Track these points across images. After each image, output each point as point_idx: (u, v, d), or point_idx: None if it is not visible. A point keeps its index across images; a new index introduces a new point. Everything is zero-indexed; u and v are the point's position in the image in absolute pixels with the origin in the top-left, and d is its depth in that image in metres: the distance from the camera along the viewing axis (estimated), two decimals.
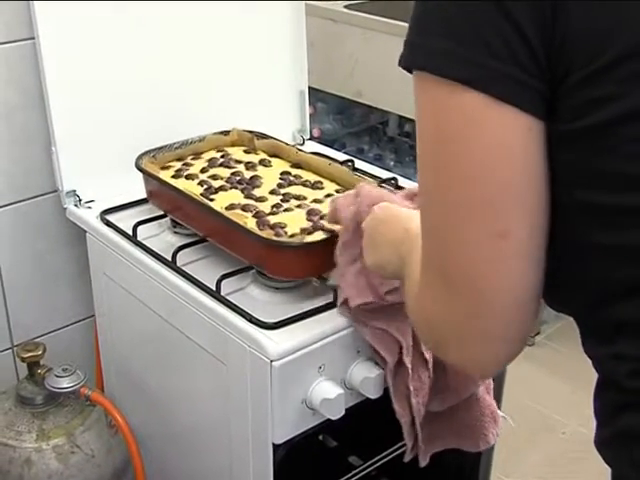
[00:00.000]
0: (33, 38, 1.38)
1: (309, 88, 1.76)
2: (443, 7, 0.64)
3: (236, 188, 1.35)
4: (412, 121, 2.83)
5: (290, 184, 1.37)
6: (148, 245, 1.33)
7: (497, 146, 0.63)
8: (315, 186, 1.37)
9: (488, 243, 0.64)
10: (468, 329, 0.70)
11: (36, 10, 1.34)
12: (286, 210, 1.28)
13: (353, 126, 3.02)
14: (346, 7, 2.58)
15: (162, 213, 1.37)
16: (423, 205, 0.70)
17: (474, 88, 0.62)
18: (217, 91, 1.61)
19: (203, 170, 1.40)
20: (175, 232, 1.37)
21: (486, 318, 0.68)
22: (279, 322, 1.13)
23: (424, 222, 0.71)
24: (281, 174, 1.41)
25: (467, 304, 0.68)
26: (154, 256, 1.30)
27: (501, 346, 0.71)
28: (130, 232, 1.35)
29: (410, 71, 0.68)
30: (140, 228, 1.35)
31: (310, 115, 1.78)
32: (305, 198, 1.32)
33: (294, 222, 1.24)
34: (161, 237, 1.37)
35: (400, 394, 1.17)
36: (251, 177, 1.38)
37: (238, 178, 1.38)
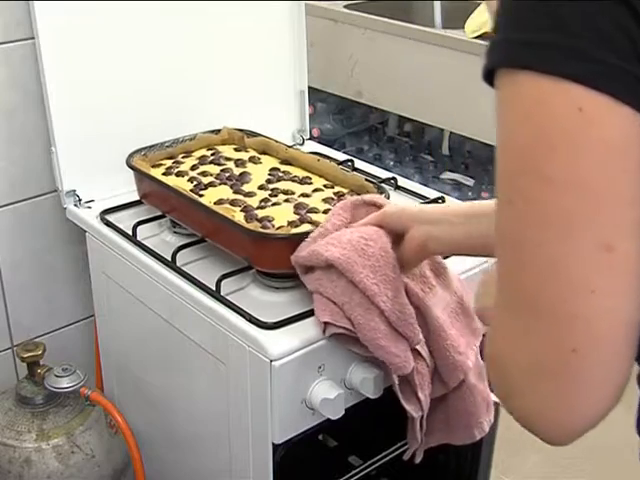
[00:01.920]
0: (33, 38, 1.38)
1: (309, 88, 1.76)
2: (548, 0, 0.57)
3: (225, 184, 1.35)
4: (412, 121, 2.84)
5: (279, 180, 1.38)
6: (148, 245, 1.33)
7: (612, 149, 0.56)
8: (303, 181, 1.38)
9: (592, 256, 0.57)
10: (556, 369, 0.59)
11: (36, 10, 1.35)
12: (274, 204, 1.29)
13: (353, 126, 3.02)
14: (346, 7, 2.58)
15: (161, 213, 1.37)
16: (506, 220, 0.61)
17: (591, 86, 0.55)
18: (217, 91, 1.61)
19: (193, 167, 1.41)
20: (175, 232, 1.37)
21: (578, 352, 0.58)
22: (279, 322, 1.13)
23: (505, 239, 0.61)
24: (270, 170, 1.42)
25: (556, 333, 0.58)
26: (154, 256, 1.30)
27: (593, 393, 0.60)
28: (130, 232, 1.35)
29: (490, 81, 0.61)
30: (140, 228, 1.35)
31: (310, 115, 1.79)
32: (293, 193, 1.33)
33: (282, 215, 1.25)
34: (161, 237, 1.37)
35: (407, 392, 1.16)
36: (240, 173, 1.39)
37: (227, 174, 1.39)
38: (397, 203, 1.21)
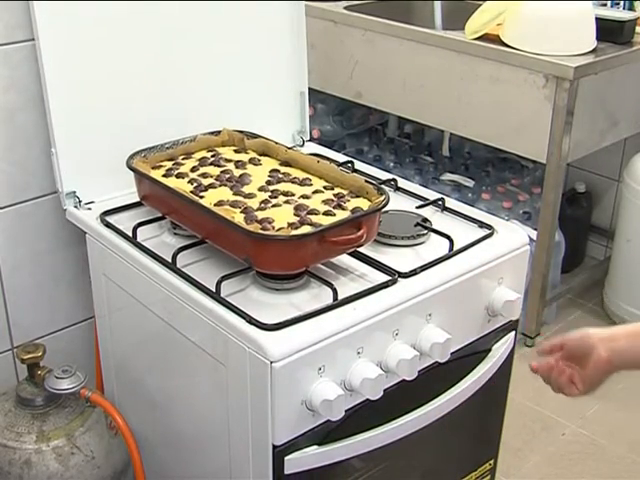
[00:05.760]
0: (33, 39, 1.38)
1: (309, 89, 1.76)
2: None
3: (225, 185, 1.35)
4: (411, 122, 2.84)
5: (279, 181, 1.38)
6: (148, 246, 1.33)
7: None
8: (303, 183, 1.38)
9: None
10: None
11: (36, 11, 1.34)
12: (274, 206, 1.29)
13: (353, 127, 3.02)
14: (346, 8, 2.58)
15: (162, 215, 1.37)
16: None
17: None
18: (217, 92, 1.61)
19: (193, 169, 1.41)
20: (175, 233, 1.37)
21: None
22: (279, 323, 1.13)
23: None
24: (270, 172, 1.41)
25: None
26: (154, 257, 1.30)
27: None
28: (130, 233, 1.35)
29: None
30: (140, 229, 1.35)
31: (310, 116, 1.78)
32: (293, 194, 1.33)
33: (282, 217, 1.25)
34: (161, 238, 1.37)
35: None
36: (240, 175, 1.39)
37: (227, 176, 1.39)
38: None
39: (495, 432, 1.59)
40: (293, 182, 1.38)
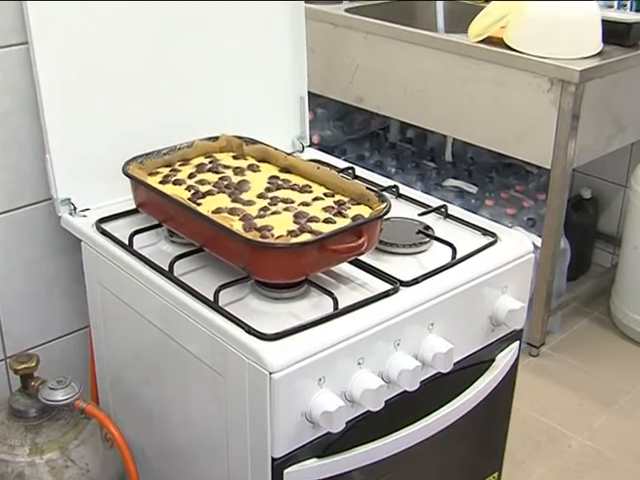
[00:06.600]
0: (27, 43, 1.37)
1: (309, 93, 1.75)
2: None
3: (224, 192, 1.34)
4: (414, 127, 2.82)
5: (278, 188, 1.37)
6: (144, 254, 1.32)
7: None
8: (303, 190, 1.37)
9: None
10: None
11: (30, 15, 1.33)
12: (273, 213, 1.28)
13: (353, 132, 3.02)
14: (347, 11, 2.57)
15: (158, 222, 1.36)
16: None
17: None
18: (216, 97, 1.60)
19: (191, 175, 1.40)
20: (172, 241, 1.36)
21: None
22: (278, 333, 1.12)
23: None
24: (269, 178, 1.41)
25: None
26: (151, 266, 1.29)
27: None
28: (126, 241, 1.34)
29: None
30: (136, 237, 1.34)
31: (310, 121, 1.77)
32: (293, 201, 1.32)
33: (281, 224, 1.24)
34: (158, 246, 1.36)
35: None
36: (239, 182, 1.38)
37: (226, 183, 1.38)
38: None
39: (499, 444, 1.58)
40: (293, 189, 1.37)
